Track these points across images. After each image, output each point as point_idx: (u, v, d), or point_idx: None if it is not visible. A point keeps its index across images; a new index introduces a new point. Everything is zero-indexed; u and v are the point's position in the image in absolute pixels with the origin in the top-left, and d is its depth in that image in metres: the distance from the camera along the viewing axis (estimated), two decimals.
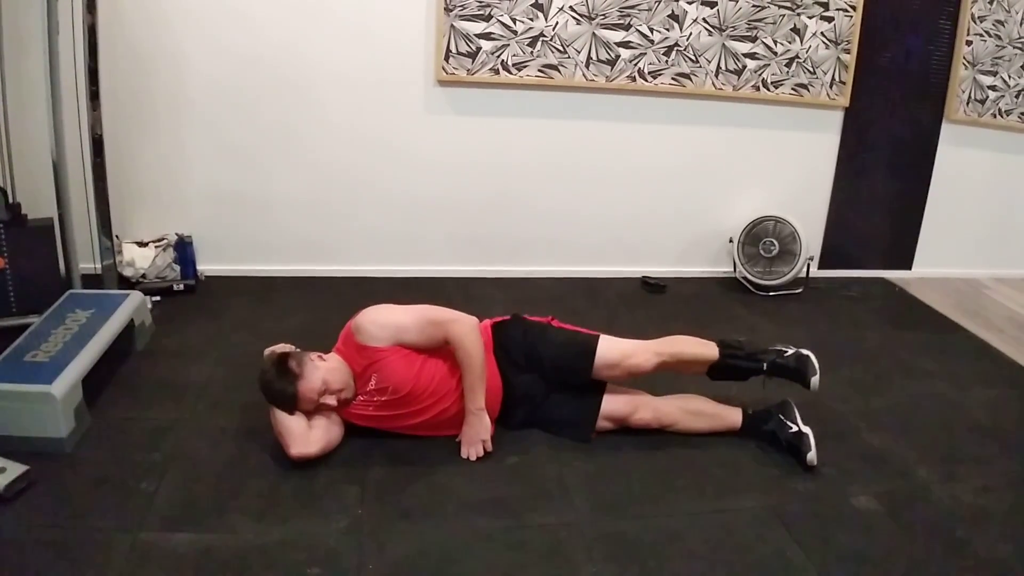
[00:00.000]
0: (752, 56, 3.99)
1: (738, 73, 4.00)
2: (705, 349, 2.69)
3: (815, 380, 2.59)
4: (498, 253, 4.16)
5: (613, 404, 2.62)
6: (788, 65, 4.04)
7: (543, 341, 2.65)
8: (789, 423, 2.59)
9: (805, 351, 2.67)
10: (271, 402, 2.39)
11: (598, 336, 2.64)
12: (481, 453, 2.49)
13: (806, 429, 2.55)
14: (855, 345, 3.60)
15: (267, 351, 2.54)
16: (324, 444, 2.40)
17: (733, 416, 2.69)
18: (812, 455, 2.50)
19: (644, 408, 2.62)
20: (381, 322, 2.48)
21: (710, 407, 2.70)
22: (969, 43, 4.21)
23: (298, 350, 2.50)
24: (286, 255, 3.96)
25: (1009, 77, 4.37)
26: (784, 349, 2.70)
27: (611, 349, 2.60)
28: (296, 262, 3.98)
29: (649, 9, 3.79)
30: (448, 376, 2.53)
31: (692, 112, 4.06)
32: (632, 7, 3.77)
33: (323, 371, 2.39)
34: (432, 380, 2.49)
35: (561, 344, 2.64)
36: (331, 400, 2.40)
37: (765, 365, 2.68)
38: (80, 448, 2.40)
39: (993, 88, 4.36)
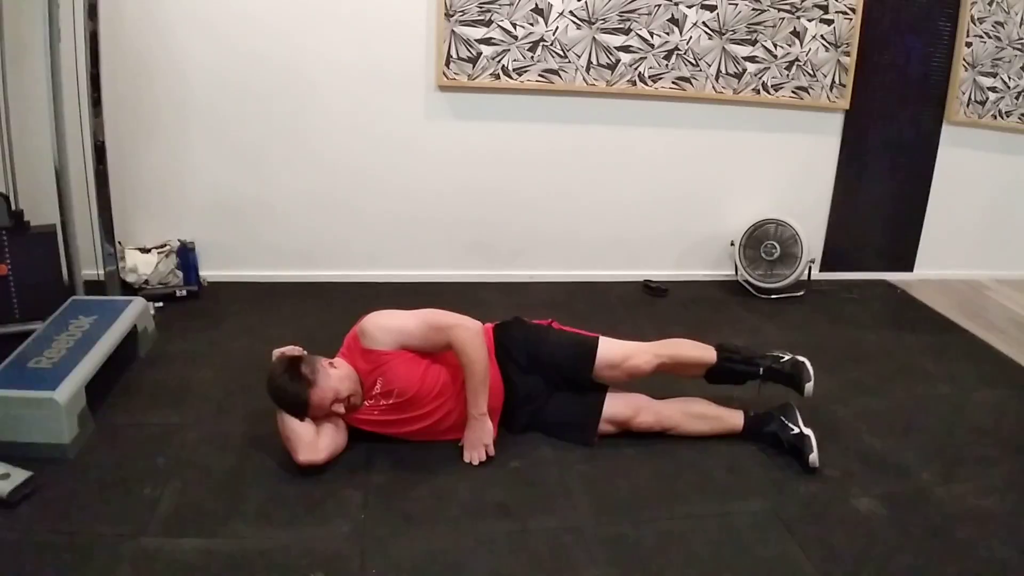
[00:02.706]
0: (752, 59, 3.99)
1: (738, 76, 4.01)
2: (703, 352, 2.73)
3: (809, 386, 2.62)
4: (500, 257, 4.17)
5: (615, 407, 2.62)
6: (788, 68, 4.05)
7: (545, 342, 2.67)
8: (791, 425, 2.60)
9: (801, 358, 2.70)
10: (281, 407, 2.38)
11: (598, 337, 2.67)
12: (483, 457, 2.49)
13: (807, 431, 2.56)
14: (856, 347, 3.60)
15: (275, 352, 2.54)
16: (332, 451, 2.41)
17: (734, 419, 2.69)
18: (814, 456, 2.50)
19: (646, 411, 2.62)
20: (386, 326, 2.49)
21: (712, 410, 2.71)
22: (969, 45, 4.22)
23: (307, 354, 2.50)
24: (288, 261, 3.97)
25: (1009, 78, 4.37)
26: (781, 355, 2.74)
27: (612, 350, 2.63)
28: (298, 268, 3.99)
29: (649, 13, 3.80)
30: (452, 380, 2.54)
31: (692, 116, 4.07)
32: (632, 11, 3.78)
33: (334, 379, 2.39)
34: (436, 383, 2.50)
35: (563, 345, 2.67)
36: (340, 408, 2.41)
37: (761, 370, 2.71)
38: (84, 454, 2.41)
39: (993, 89, 4.36)
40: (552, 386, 2.67)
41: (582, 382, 2.65)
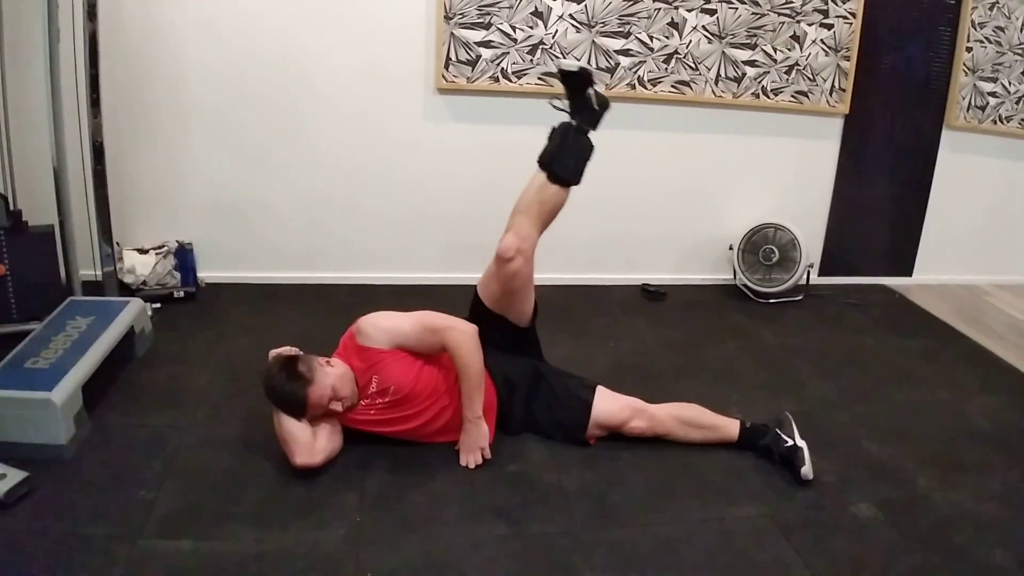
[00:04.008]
0: (752, 63, 3.99)
1: (738, 80, 4.01)
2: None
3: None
4: None
5: (607, 412, 2.61)
6: (788, 72, 4.05)
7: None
8: (785, 437, 2.57)
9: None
10: (279, 406, 2.37)
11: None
12: (480, 461, 2.49)
13: (801, 443, 2.54)
14: (855, 352, 3.59)
15: (272, 353, 2.53)
16: (328, 453, 2.40)
17: (730, 428, 2.67)
18: (807, 469, 2.48)
19: (639, 417, 2.61)
20: (381, 326, 2.50)
21: (707, 418, 2.68)
22: (969, 49, 4.22)
23: (303, 353, 2.50)
24: (286, 262, 3.97)
25: (1009, 83, 4.37)
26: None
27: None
28: (296, 269, 3.98)
29: (649, 17, 3.80)
30: (446, 378, 2.54)
31: (692, 120, 4.06)
32: (632, 15, 3.78)
33: (332, 377, 2.39)
34: (432, 380, 2.51)
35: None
36: (338, 407, 2.40)
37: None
38: (80, 455, 2.40)
39: (993, 94, 4.36)
40: (534, 367, 2.69)
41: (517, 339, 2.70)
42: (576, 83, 2.62)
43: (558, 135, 2.67)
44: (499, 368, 2.65)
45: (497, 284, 2.63)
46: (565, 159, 2.66)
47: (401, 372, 2.47)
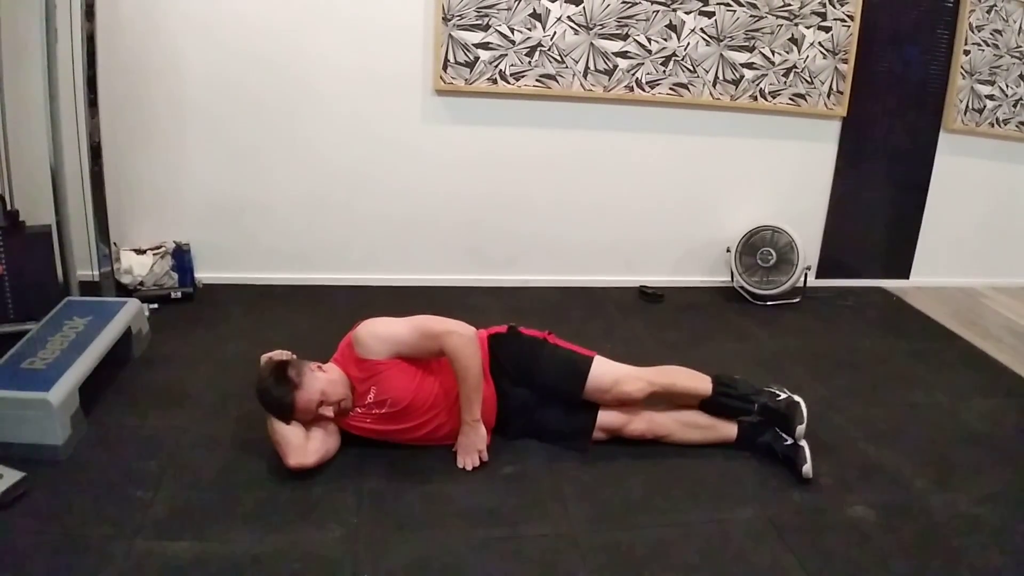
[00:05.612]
0: (750, 66, 4.00)
1: (736, 83, 4.02)
2: (699, 384, 2.68)
3: (800, 430, 2.54)
4: (495, 262, 4.16)
5: (608, 414, 2.62)
6: (786, 75, 4.05)
7: (537, 359, 2.64)
8: (785, 436, 2.58)
9: (797, 398, 2.63)
10: (267, 410, 2.38)
11: (593, 358, 2.63)
12: (477, 463, 2.49)
13: (802, 442, 2.55)
14: (852, 354, 3.60)
15: (264, 357, 2.54)
16: (322, 455, 2.40)
17: (728, 428, 2.68)
18: (808, 467, 2.49)
19: (639, 419, 2.62)
20: (380, 335, 2.48)
21: (705, 419, 2.69)
22: (967, 52, 4.23)
23: (296, 357, 2.50)
24: (284, 264, 3.97)
25: (1007, 86, 4.38)
26: (778, 392, 2.68)
27: (604, 374, 2.60)
28: (294, 271, 3.98)
29: (647, 19, 3.81)
30: (446, 393, 2.53)
31: (690, 122, 4.07)
32: (630, 17, 3.79)
33: (322, 382, 2.39)
34: (431, 394, 2.50)
35: (555, 364, 2.63)
36: (328, 411, 2.40)
37: (756, 406, 2.66)
38: (77, 455, 2.40)
39: (991, 97, 4.37)
40: (544, 398, 2.65)
41: (572, 401, 2.63)
42: (784, 427, 2.62)
43: (747, 404, 2.68)
44: (516, 394, 2.63)
45: (600, 397, 2.61)
46: (724, 408, 2.69)
47: (400, 385, 2.46)
